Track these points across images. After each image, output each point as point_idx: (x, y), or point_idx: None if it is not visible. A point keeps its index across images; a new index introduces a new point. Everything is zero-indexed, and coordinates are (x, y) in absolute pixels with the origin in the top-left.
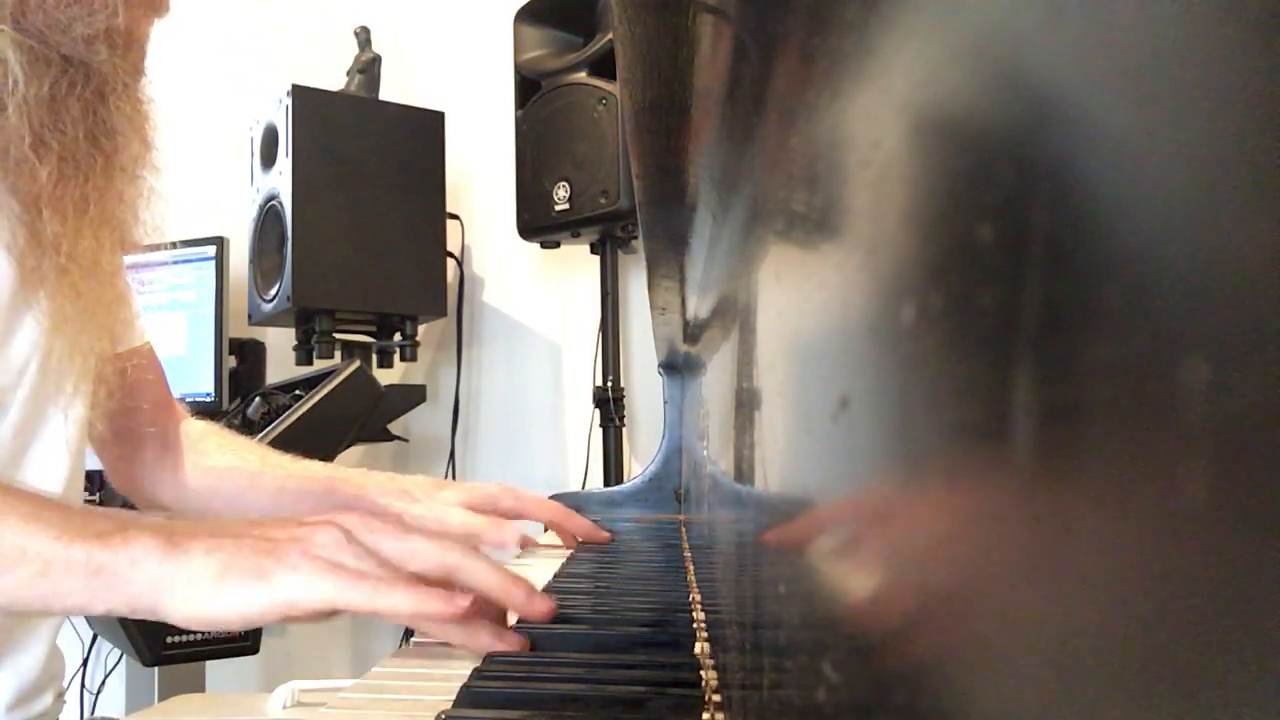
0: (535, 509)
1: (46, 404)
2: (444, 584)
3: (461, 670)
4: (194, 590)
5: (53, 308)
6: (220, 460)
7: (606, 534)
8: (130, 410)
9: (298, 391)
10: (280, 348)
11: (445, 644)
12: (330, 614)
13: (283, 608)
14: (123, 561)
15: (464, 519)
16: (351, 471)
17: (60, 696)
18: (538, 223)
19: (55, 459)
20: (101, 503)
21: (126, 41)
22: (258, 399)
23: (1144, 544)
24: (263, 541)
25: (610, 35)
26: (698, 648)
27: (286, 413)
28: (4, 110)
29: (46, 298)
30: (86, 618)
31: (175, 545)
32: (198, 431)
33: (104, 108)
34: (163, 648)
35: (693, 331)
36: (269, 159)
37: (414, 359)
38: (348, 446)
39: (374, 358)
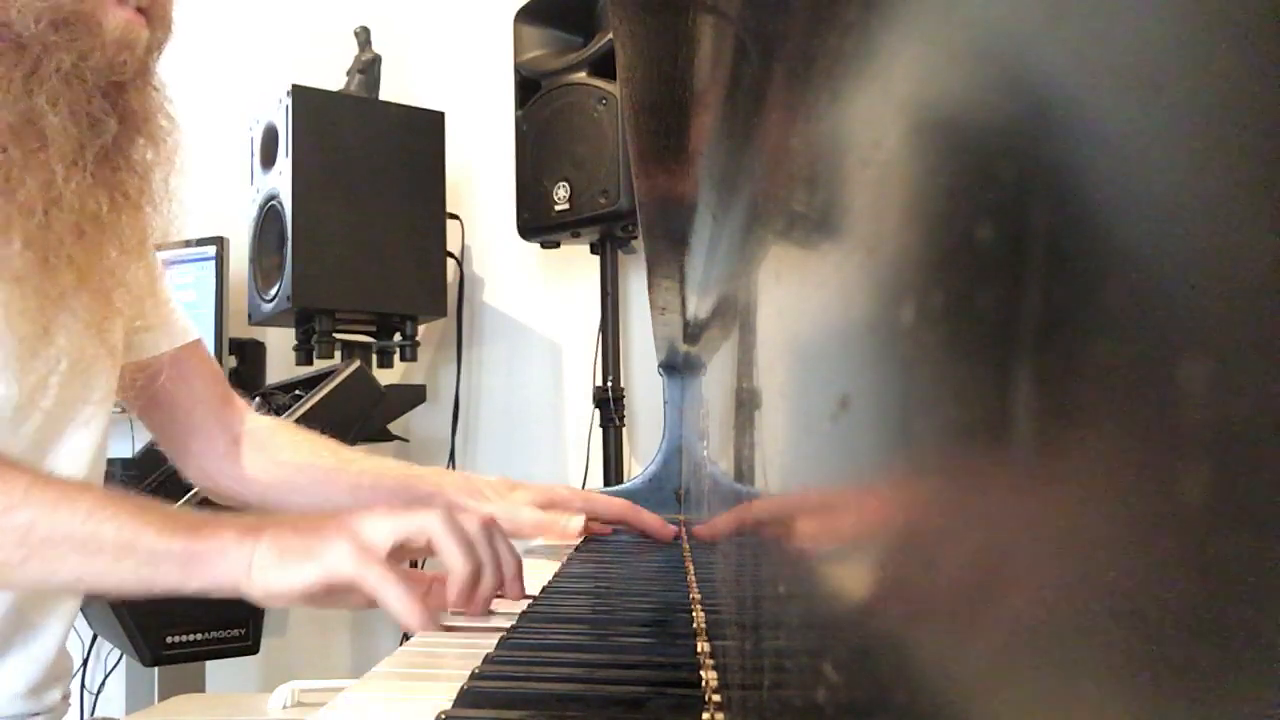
0: (605, 508)
1: (76, 401)
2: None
3: (461, 670)
4: (262, 571)
5: (85, 310)
6: (294, 456)
7: (674, 528)
8: (191, 407)
9: (298, 391)
10: (280, 348)
11: (444, 644)
12: (371, 599)
13: (325, 577)
14: (213, 550)
15: (535, 517)
16: (427, 470)
17: (66, 698)
18: (538, 223)
19: (78, 457)
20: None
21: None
22: (258, 399)
23: (1144, 544)
24: (314, 529)
25: (610, 35)
26: (698, 648)
27: (286, 413)
28: (45, 149)
29: (81, 305)
30: (86, 618)
31: (248, 536)
32: (266, 428)
33: (130, 129)
34: (163, 648)
35: (693, 331)
36: (269, 159)
37: (414, 359)
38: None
39: (374, 358)
